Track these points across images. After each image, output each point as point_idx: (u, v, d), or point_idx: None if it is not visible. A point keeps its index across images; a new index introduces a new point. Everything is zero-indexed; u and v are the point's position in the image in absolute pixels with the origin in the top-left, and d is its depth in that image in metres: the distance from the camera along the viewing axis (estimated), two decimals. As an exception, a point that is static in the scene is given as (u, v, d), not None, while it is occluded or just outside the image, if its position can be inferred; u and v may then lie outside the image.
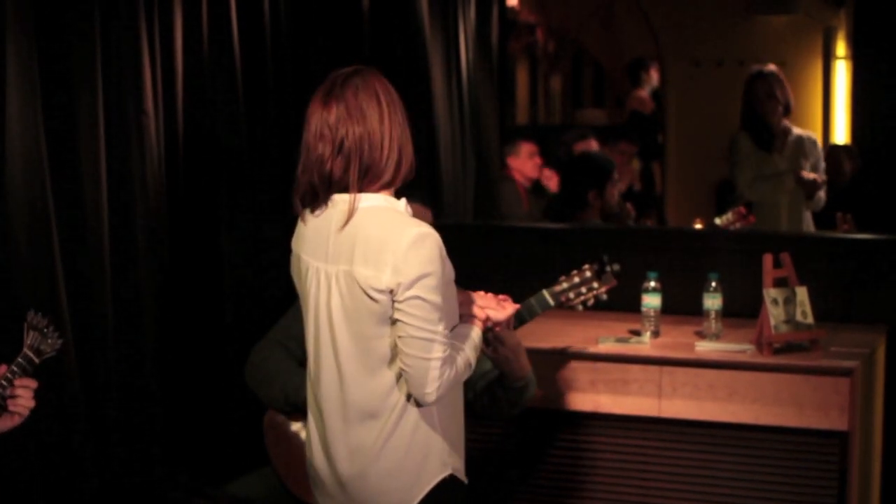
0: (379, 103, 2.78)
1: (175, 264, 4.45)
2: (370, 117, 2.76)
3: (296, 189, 2.85)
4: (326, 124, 2.77)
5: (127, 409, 4.22)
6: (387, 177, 2.78)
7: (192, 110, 4.50)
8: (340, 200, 2.79)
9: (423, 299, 2.69)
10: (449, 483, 2.84)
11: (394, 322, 2.74)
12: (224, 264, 4.65)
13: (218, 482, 4.10)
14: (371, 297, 2.72)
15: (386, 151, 2.77)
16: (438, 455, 2.83)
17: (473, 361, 2.88)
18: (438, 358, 2.71)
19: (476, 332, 2.93)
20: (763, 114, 5.46)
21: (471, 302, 3.00)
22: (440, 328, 2.72)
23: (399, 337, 2.73)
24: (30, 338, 2.98)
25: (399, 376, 2.77)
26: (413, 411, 2.79)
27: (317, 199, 2.82)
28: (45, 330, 3.01)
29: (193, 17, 4.49)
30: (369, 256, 2.71)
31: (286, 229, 4.80)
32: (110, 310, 4.12)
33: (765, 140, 5.47)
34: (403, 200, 2.83)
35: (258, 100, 4.78)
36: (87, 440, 3.99)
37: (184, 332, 4.50)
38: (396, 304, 2.71)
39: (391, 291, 2.70)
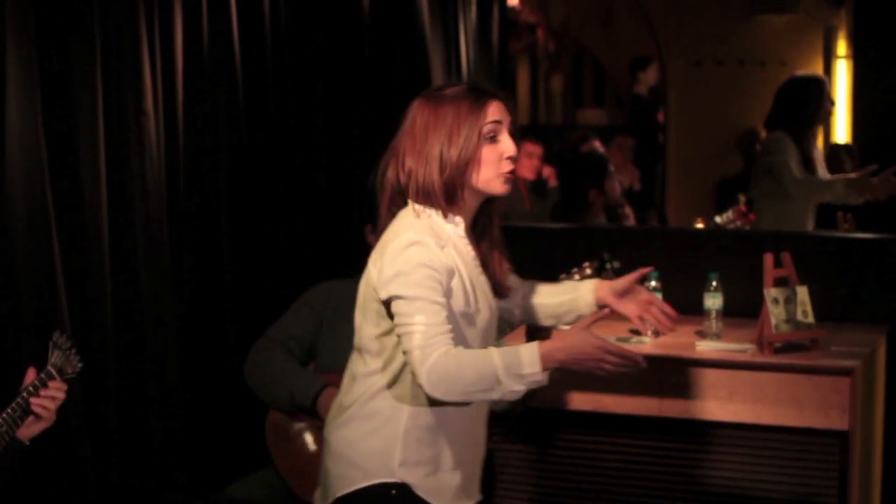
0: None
1: (175, 264, 4.45)
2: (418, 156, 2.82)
3: None
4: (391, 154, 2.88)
5: (126, 410, 4.22)
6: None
7: (192, 110, 4.50)
8: None
9: (399, 296, 2.75)
10: (390, 490, 2.82)
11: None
12: (224, 265, 4.65)
13: (218, 484, 4.11)
14: (375, 291, 2.81)
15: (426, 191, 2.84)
16: (393, 460, 2.82)
17: (499, 377, 2.70)
18: (417, 346, 2.72)
19: (524, 351, 2.74)
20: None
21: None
22: (417, 318, 2.74)
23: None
24: (54, 356, 3.06)
25: (383, 367, 2.84)
26: (385, 406, 2.83)
27: None
28: (69, 352, 3.06)
29: (193, 17, 4.48)
30: (376, 255, 2.83)
31: (285, 228, 4.84)
32: (110, 311, 4.11)
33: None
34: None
35: (258, 100, 4.78)
36: (87, 442, 3.99)
37: (183, 333, 4.50)
38: (387, 305, 2.79)
39: (375, 289, 2.80)
